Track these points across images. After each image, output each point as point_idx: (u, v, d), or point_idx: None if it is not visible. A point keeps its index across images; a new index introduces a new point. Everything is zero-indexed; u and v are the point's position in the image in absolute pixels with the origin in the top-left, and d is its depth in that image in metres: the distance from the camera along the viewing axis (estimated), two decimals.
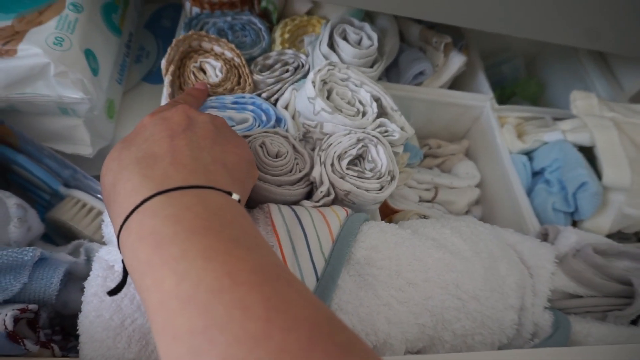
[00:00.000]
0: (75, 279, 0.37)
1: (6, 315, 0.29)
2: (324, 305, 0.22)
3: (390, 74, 0.59)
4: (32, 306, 0.31)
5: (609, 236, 0.49)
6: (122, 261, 0.26)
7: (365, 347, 0.20)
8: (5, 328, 0.28)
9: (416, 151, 0.55)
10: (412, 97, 0.56)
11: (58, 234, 0.46)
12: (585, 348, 0.35)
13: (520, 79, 0.75)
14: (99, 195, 0.44)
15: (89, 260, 0.38)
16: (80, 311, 0.35)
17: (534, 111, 0.59)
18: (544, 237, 0.46)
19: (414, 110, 0.57)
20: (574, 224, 0.51)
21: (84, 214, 0.43)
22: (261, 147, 0.37)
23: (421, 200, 0.54)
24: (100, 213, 0.43)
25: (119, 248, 0.25)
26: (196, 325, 0.19)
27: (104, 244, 0.40)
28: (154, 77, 0.56)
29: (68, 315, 0.37)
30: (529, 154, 0.55)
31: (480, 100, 0.59)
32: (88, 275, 0.38)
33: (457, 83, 0.63)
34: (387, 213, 0.50)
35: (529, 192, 0.53)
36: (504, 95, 0.75)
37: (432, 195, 0.54)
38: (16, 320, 0.29)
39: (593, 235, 0.44)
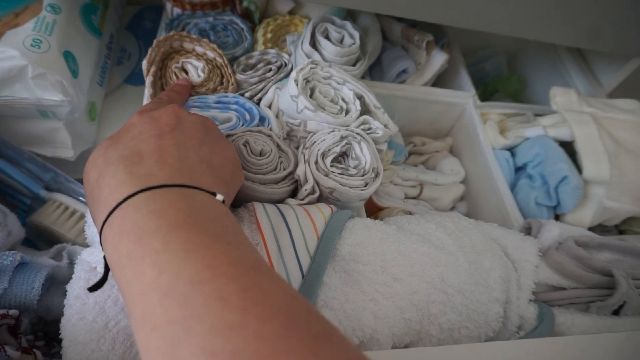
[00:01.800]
0: (58, 283, 0.36)
1: None
2: (302, 298, 0.22)
3: (374, 72, 0.59)
4: (12, 312, 0.30)
5: (591, 229, 0.50)
6: (104, 257, 0.26)
7: (342, 338, 0.21)
8: None
9: (401, 149, 0.56)
10: (396, 95, 0.57)
11: (40, 239, 0.45)
12: (570, 338, 0.35)
13: (502, 75, 0.76)
14: (81, 198, 0.44)
15: (71, 264, 0.37)
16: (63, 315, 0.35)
17: (516, 107, 0.60)
18: (527, 230, 0.47)
19: (397, 108, 0.58)
20: (557, 217, 0.52)
21: (66, 217, 0.42)
22: (245, 145, 0.37)
23: (406, 197, 0.54)
24: (82, 216, 0.43)
25: (101, 244, 0.25)
26: (175, 316, 0.19)
27: (87, 246, 0.40)
28: (136, 78, 0.55)
29: (51, 320, 0.36)
30: (511, 149, 0.56)
31: (463, 98, 0.60)
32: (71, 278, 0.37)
33: (440, 81, 0.64)
34: (373, 210, 0.50)
35: (512, 187, 0.53)
36: (487, 92, 0.76)
37: (417, 192, 0.55)
38: None
39: (575, 228, 0.45)
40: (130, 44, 0.58)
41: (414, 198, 0.55)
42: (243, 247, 0.23)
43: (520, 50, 0.79)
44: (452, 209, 0.58)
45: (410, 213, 0.48)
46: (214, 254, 0.21)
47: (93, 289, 0.26)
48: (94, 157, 0.28)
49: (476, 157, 0.57)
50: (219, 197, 0.27)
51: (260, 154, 0.37)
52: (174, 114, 0.30)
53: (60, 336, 0.35)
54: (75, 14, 0.45)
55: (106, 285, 0.30)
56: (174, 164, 0.26)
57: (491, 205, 0.54)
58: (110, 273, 0.26)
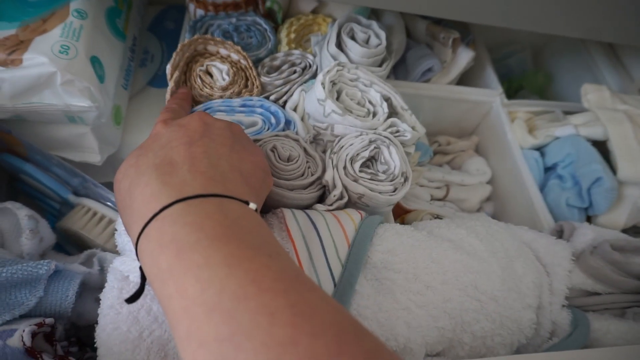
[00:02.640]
0: (90, 289, 0.37)
1: (24, 331, 0.28)
2: (347, 311, 0.22)
3: (398, 71, 0.58)
4: (48, 320, 0.31)
5: (624, 231, 0.48)
6: (140, 268, 0.26)
7: (391, 352, 0.20)
8: (24, 344, 0.28)
9: (426, 149, 0.55)
10: (421, 95, 0.56)
11: (69, 243, 0.46)
12: (609, 349, 0.34)
13: (528, 71, 0.74)
14: (109, 204, 0.44)
15: (102, 270, 0.37)
16: (95, 321, 0.35)
17: (544, 105, 0.58)
18: (559, 234, 0.46)
19: (422, 107, 0.57)
20: (588, 219, 0.51)
21: (95, 223, 0.43)
22: (272, 151, 0.37)
23: (433, 198, 0.54)
24: (111, 221, 0.43)
25: (137, 255, 0.24)
26: (222, 332, 0.19)
27: (116, 252, 0.40)
28: (160, 80, 0.55)
29: (83, 325, 0.37)
30: (540, 149, 0.55)
31: (490, 96, 0.58)
32: (102, 285, 0.38)
33: (465, 78, 0.62)
34: (400, 213, 0.49)
35: (542, 188, 0.52)
36: (511, 89, 0.74)
37: (443, 194, 0.54)
38: (33, 335, 0.29)
39: (609, 232, 0.44)
40: (152, 46, 0.58)
41: (440, 200, 0.54)
42: (283, 259, 0.23)
43: (545, 45, 0.77)
44: (479, 210, 0.57)
45: (438, 216, 0.47)
46: (257, 267, 0.21)
47: (130, 300, 0.26)
48: (124, 167, 0.28)
49: (503, 157, 0.56)
50: (252, 206, 0.27)
51: (288, 159, 0.37)
52: (201, 121, 0.30)
53: (93, 342, 0.36)
54: (101, 19, 0.45)
55: None
56: (206, 172, 0.26)
57: (520, 207, 0.53)
58: (146, 283, 0.26)
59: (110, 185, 0.46)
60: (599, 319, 0.40)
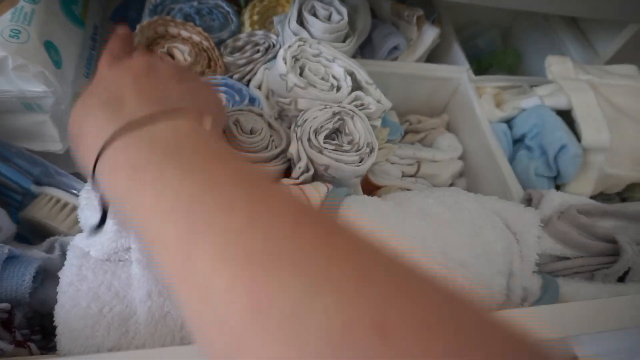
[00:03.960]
0: (52, 276, 0.36)
1: None
2: (304, 201, 0.22)
3: (365, 50, 0.58)
4: (3, 305, 0.30)
5: (593, 198, 0.49)
6: (100, 198, 0.26)
7: (351, 228, 0.20)
8: None
9: (396, 127, 0.55)
10: (388, 73, 0.56)
11: (34, 234, 0.44)
12: (574, 304, 0.35)
13: (497, 50, 0.75)
14: (73, 191, 0.43)
15: (63, 255, 0.36)
16: None
17: (512, 80, 0.59)
18: (528, 202, 0.46)
19: (391, 86, 0.57)
20: (557, 187, 0.51)
21: (58, 210, 0.41)
22: (235, 124, 0.36)
23: (404, 175, 0.54)
24: (75, 208, 0.42)
25: (94, 187, 0.25)
26: (182, 230, 0.19)
27: None
28: None
29: (47, 313, 0.36)
30: (508, 122, 0.55)
31: (457, 72, 0.58)
32: None
33: (433, 56, 0.63)
34: (370, 189, 0.49)
35: (511, 159, 0.53)
36: (481, 68, 0.74)
37: (414, 170, 0.54)
38: None
39: (576, 197, 0.44)
40: None
41: (411, 176, 0.54)
42: (239, 162, 0.23)
43: (512, 24, 0.78)
44: (451, 185, 0.57)
45: (409, 190, 0.47)
46: (210, 172, 0.21)
47: (98, 227, 0.26)
48: (73, 115, 0.28)
49: (473, 132, 0.56)
50: (206, 120, 0.27)
51: (251, 132, 0.36)
52: (144, 60, 0.30)
53: (54, 324, 0.35)
54: (55, 4, 0.44)
55: (99, 272, 0.29)
56: (155, 102, 0.26)
57: (491, 180, 0.53)
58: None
59: (78, 176, 0.45)
60: (569, 283, 0.41)
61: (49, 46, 0.41)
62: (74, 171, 0.49)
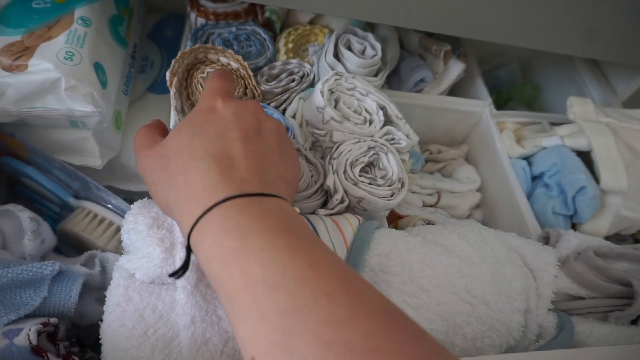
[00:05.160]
0: (91, 289, 0.37)
1: (30, 330, 0.29)
2: (386, 297, 0.24)
3: (391, 81, 0.60)
4: (53, 320, 0.31)
5: (607, 238, 0.51)
6: (187, 247, 0.27)
7: (433, 340, 0.22)
8: (30, 342, 0.29)
9: (418, 157, 0.57)
10: (413, 104, 0.57)
11: (68, 245, 0.46)
12: (591, 349, 0.36)
13: (516, 83, 0.77)
14: (109, 206, 0.45)
15: (103, 271, 0.38)
16: (96, 322, 0.36)
17: (532, 116, 0.61)
18: (546, 240, 0.48)
19: (414, 116, 0.59)
20: (573, 226, 0.53)
21: (96, 225, 0.43)
22: None
23: (424, 205, 0.55)
24: (111, 224, 0.44)
25: (188, 235, 0.26)
26: (284, 307, 0.21)
27: (116, 253, 0.41)
28: (159, 87, 0.56)
29: (84, 326, 0.38)
30: (527, 158, 0.57)
31: (479, 106, 0.60)
32: (103, 285, 0.38)
33: (456, 89, 0.65)
34: (393, 219, 0.51)
35: (529, 196, 0.54)
36: (501, 99, 0.76)
37: (435, 200, 0.55)
38: (39, 334, 0.30)
39: (593, 238, 0.46)
40: (152, 53, 0.59)
41: (431, 206, 0.56)
42: (332, 253, 0.25)
43: (533, 57, 0.80)
44: (469, 216, 0.58)
45: (430, 221, 0.49)
46: (314, 256, 0.23)
47: (175, 275, 0.28)
48: (177, 145, 0.29)
49: (493, 166, 0.58)
50: (297, 210, 0.29)
51: None
52: (255, 116, 0.31)
53: (92, 343, 0.37)
54: (104, 26, 0.46)
55: (144, 294, 0.31)
56: (262, 176, 0.28)
57: (508, 214, 0.55)
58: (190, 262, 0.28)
59: (110, 189, 0.47)
60: (583, 322, 0.42)
61: (98, 67, 0.43)
62: (107, 185, 0.51)
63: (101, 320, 0.31)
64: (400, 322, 0.22)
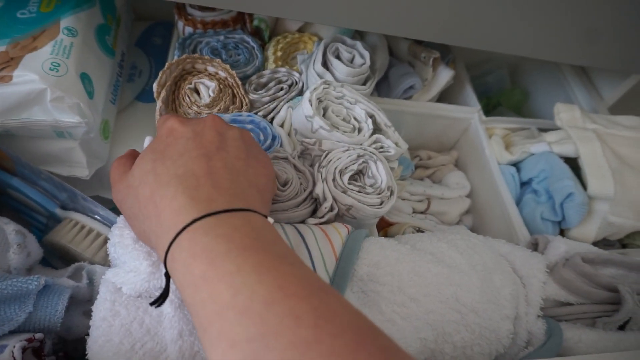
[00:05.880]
0: (78, 302, 0.37)
1: (14, 347, 0.29)
2: (363, 314, 0.24)
3: (381, 88, 0.60)
4: (38, 335, 0.31)
5: (594, 243, 0.51)
6: (166, 274, 0.28)
7: (402, 351, 0.22)
8: (14, 359, 0.28)
9: (408, 163, 0.57)
10: (403, 111, 0.58)
11: (55, 257, 0.46)
12: (579, 358, 0.36)
13: (505, 89, 0.78)
14: (97, 217, 0.44)
15: (91, 284, 0.38)
16: (82, 335, 0.36)
17: (520, 122, 0.61)
18: (534, 246, 0.48)
19: (404, 123, 0.59)
20: (562, 232, 0.53)
21: (83, 236, 0.43)
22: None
23: (414, 211, 0.55)
24: (99, 235, 0.43)
25: (164, 262, 0.26)
26: (253, 333, 0.21)
27: (104, 265, 0.40)
28: (147, 95, 0.56)
29: (71, 340, 0.37)
30: (516, 164, 0.57)
31: (468, 113, 0.61)
32: (91, 298, 0.38)
33: (445, 95, 0.65)
34: (382, 226, 0.51)
35: (518, 202, 0.55)
36: (490, 105, 0.77)
37: (424, 207, 0.56)
38: (24, 350, 0.29)
39: (581, 244, 0.46)
40: (140, 61, 0.59)
41: (421, 212, 0.56)
42: (303, 267, 0.25)
43: (521, 63, 0.81)
44: (459, 222, 0.59)
45: (420, 229, 0.49)
46: (283, 274, 0.23)
47: (156, 303, 0.28)
48: (141, 172, 0.29)
49: (482, 171, 0.58)
50: (270, 220, 0.29)
51: (284, 184, 0.38)
52: (214, 130, 0.31)
53: (81, 356, 0.36)
54: (91, 36, 0.46)
55: (131, 308, 0.31)
56: (229, 188, 0.28)
57: (497, 220, 0.55)
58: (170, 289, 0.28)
59: (98, 199, 0.46)
60: (571, 328, 0.42)
61: (84, 77, 0.43)
62: (95, 195, 0.51)
63: (88, 335, 0.31)
64: (368, 339, 0.21)
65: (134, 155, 0.34)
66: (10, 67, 0.39)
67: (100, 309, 0.31)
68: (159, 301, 0.28)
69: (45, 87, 0.39)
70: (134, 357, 0.29)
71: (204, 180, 0.27)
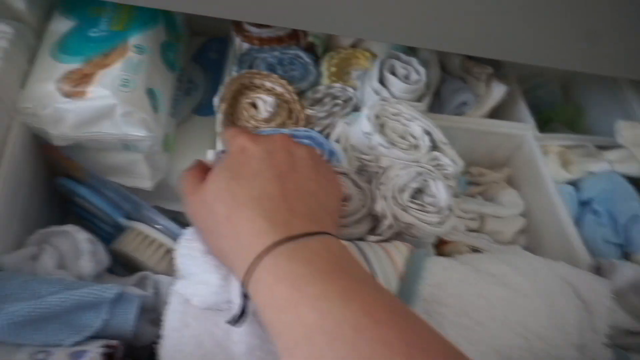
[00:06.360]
0: (145, 311, 0.38)
1: (95, 353, 0.30)
2: (447, 339, 0.23)
3: (432, 104, 0.60)
4: (115, 342, 0.32)
5: None
6: (244, 294, 0.27)
7: None
8: None
9: (461, 180, 0.56)
10: (454, 127, 0.57)
11: (118, 264, 0.47)
12: None
13: (557, 103, 0.75)
14: (159, 227, 0.46)
15: (156, 294, 0.39)
16: (149, 342, 0.37)
17: (577, 139, 0.59)
18: (597, 270, 0.46)
19: (456, 139, 0.57)
20: (625, 255, 0.51)
21: (146, 246, 0.44)
22: None
23: (467, 229, 0.54)
24: (161, 245, 0.45)
25: (243, 282, 0.27)
26: (345, 358, 0.21)
27: (163, 274, 0.41)
28: (204, 109, 0.57)
29: (138, 347, 0.38)
30: (574, 183, 0.55)
31: (522, 129, 0.59)
32: (155, 307, 0.39)
33: (497, 111, 0.64)
34: (437, 245, 0.50)
35: (576, 222, 0.53)
36: (541, 120, 0.74)
37: (478, 225, 0.54)
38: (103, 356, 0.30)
39: None
40: (197, 76, 0.61)
41: (474, 231, 0.55)
42: (385, 292, 0.25)
43: (575, 77, 0.78)
44: (512, 242, 0.57)
45: (476, 249, 0.48)
46: (369, 300, 0.23)
47: (234, 323, 0.28)
48: (216, 190, 0.30)
49: (537, 190, 0.57)
50: (345, 243, 0.29)
51: (344, 199, 0.38)
52: (285, 149, 0.32)
53: None
54: (157, 52, 0.48)
55: (201, 320, 0.31)
56: (303, 212, 0.28)
57: (554, 240, 0.53)
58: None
59: (157, 210, 0.48)
60: None
61: (151, 93, 0.45)
62: (154, 205, 0.52)
63: (155, 342, 0.32)
64: None
65: (203, 169, 0.35)
66: (85, 84, 0.42)
67: (171, 320, 0.32)
68: (239, 321, 0.28)
69: (116, 103, 0.41)
70: None
71: (280, 203, 0.28)
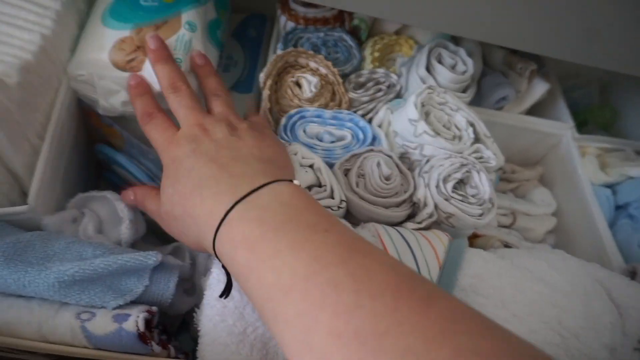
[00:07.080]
0: (180, 280, 0.39)
1: (138, 316, 0.30)
2: (402, 265, 0.24)
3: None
4: (154, 308, 0.33)
5: None
6: (223, 267, 0.30)
7: (446, 295, 0.23)
8: (137, 329, 0.30)
9: (495, 175, 0.55)
10: (493, 122, 0.56)
11: (151, 233, 0.48)
12: None
13: (593, 105, 0.74)
14: None
15: (193, 264, 0.39)
16: (182, 311, 0.37)
17: (616, 143, 0.58)
18: (632, 275, 0.46)
19: (493, 134, 0.57)
20: None
21: None
22: (378, 166, 0.38)
23: (499, 225, 0.54)
24: None
25: (217, 257, 0.28)
26: (301, 309, 0.22)
27: None
28: (242, 86, 0.57)
29: (171, 315, 0.39)
30: (610, 186, 0.54)
31: (561, 128, 0.58)
32: (191, 277, 0.40)
33: (535, 108, 0.63)
34: (470, 238, 0.50)
35: (611, 226, 0.52)
36: (576, 122, 0.73)
37: (510, 221, 0.54)
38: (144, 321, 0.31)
39: None
40: (236, 52, 0.60)
41: (506, 227, 0.54)
42: (336, 230, 0.26)
43: (613, 80, 0.77)
44: (542, 240, 0.57)
45: (507, 244, 0.48)
46: (317, 245, 0.24)
47: (224, 294, 0.30)
48: (167, 198, 0.32)
49: (572, 190, 0.56)
50: (296, 182, 0.30)
51: (387, 178, 0.38)
52: (207, 138, 0.33)
53: (177, 331, 0.38)
54: (205, 30, 0.47)
55: (243, 293, 0.32)
56: (248, 171, 0.29)
57: (585, 242, 0.53)
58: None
59: None
60: None
61: None
62: None
63: (188, 312, 0.32)
64: (405, 293, 0.22)
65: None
66: (141, 58, 0.41)
67: (214, 290, 0.32)
68: (225, 293, 0.30)
69: None
70: (246, 340, 0.30)
71: (220, 174, 0.29)
